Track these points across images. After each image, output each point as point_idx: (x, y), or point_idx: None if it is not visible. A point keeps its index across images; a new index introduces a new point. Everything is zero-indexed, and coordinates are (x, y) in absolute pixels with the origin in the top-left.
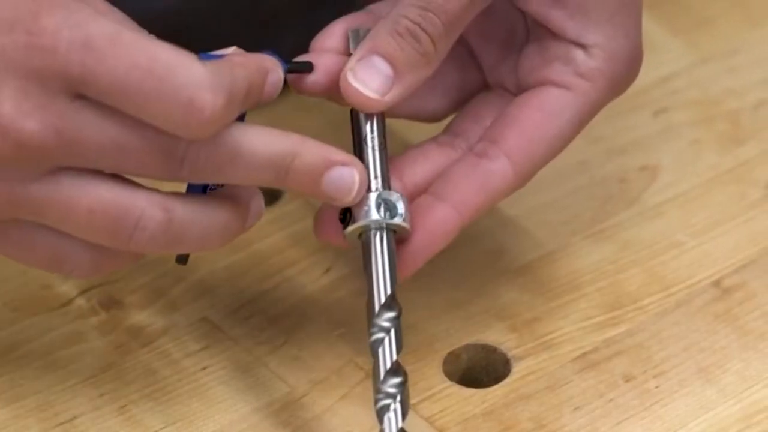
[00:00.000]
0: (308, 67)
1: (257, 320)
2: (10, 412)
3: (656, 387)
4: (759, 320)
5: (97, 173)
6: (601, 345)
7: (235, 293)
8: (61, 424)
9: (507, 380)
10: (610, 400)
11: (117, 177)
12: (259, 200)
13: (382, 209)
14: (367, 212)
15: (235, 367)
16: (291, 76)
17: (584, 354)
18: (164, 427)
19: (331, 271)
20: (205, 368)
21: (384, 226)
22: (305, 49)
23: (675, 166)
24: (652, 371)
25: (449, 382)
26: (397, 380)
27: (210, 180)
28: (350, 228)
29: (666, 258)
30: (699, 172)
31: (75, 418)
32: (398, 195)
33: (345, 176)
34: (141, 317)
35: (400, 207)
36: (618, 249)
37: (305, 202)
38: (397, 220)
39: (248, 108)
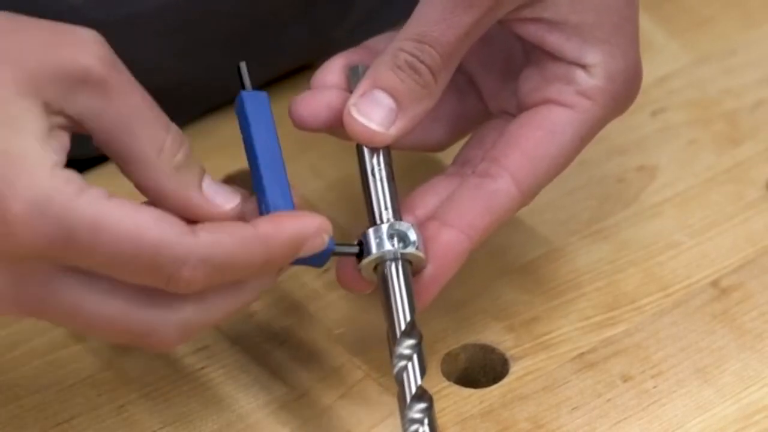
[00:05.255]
0: (354, 251)
1: (256, 320)
2: (9, 412)
3: (654, 387)
4: (757, 320)
5: (107, 291)
6: (599, 345)
7: None
8: (59, 423)
9: (505, 380)
10: (608, 400)
11: (123, 300)
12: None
13: (394, 239)
14: (380, 244)
15: (233, 367)
16: None
17: (582, 354)
18: (162, 427)
19: (330, 271)
20: (203, 368)
21: (398, 256)
22: (306, 47)
23: (673, 166)
24: (650, 371)
25: (447, 382)
26: (422, 405)
27: None
28: (365, 261)
29: (664, 258)
30: (697, 172)
31: (73, 417)
32: (409, 225)
33: (316, 244)
34: None
35: (412, 235)
36: (616, 249)
37: (305, 201)
38: (410, 249)
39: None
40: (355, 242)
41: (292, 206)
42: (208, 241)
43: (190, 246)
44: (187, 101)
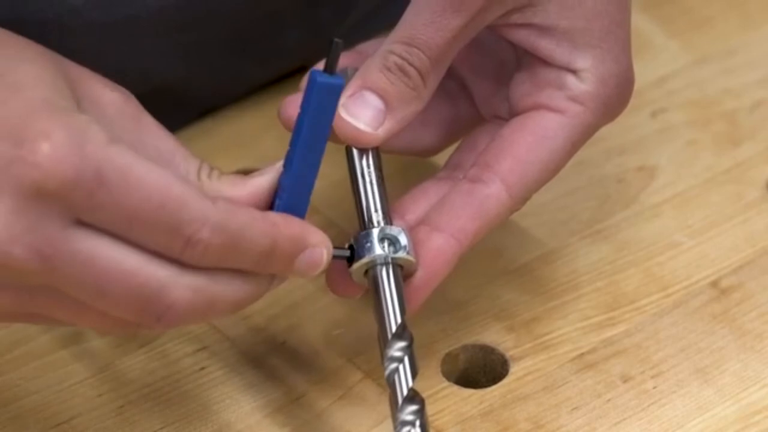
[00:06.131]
0: (347, 254)
1: (255, 320)
2: (8, 412)
3: (654, 387)
4: (756, 321)
5: (123, 246)
6: (599, 345)
7: None
8: (59, 424)
9: (505, 381)
10: (608, 400)
11: (138, 257)
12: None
13: (385, 244)
14: (370, 248)
15: (233, 368)
16: None
17: (582, 354)
18: (162, 428)
19: None
20: (203, 369)
21: (389, 260)
22: (306, 48)
23: (672, 166)
24: (649, 372)
25: (447, 383)
26: (414, 407)
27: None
28: (355, 265)
29: (663, 258)
30: (696, 173)
31: (73, 418)
32: (399, 229)
33: (315, 257)
34: None
35: (403, 240)
36: (616, 249)
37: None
38: (401, 254)
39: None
40: (346, 246)
41: (305, 209)
42: (225, 208)
43: (210, 208)
44: (187, 101)
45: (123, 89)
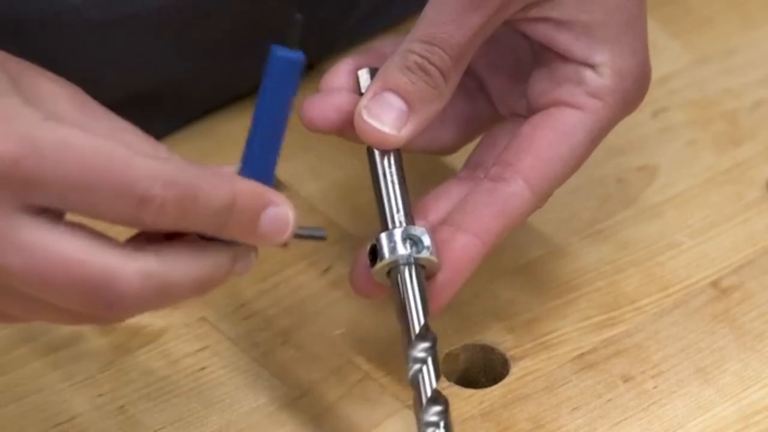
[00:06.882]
0: (321, 235)
1: (256, 320)
2: (8, 412)
3: (654, 387)
4: (757, 320)
5: (67, 231)
6: (599, 345)
7: (233, 293)
8: (59, 423)
9: (505, 381)
10: (609, 400)
11: (82, 244)
12: (247, 255)
13: (408, 244)
14: (394, 248)
15: (233, 368)
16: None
17: (582, 354)
18: (163, 428)
19: (330, 270)
20: (203, 368)
21: (412, 261)
22: (306, 48)
23: (673, 166)
24: (650, 371)
25: (447, 383)
26: (438, 408)
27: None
28: (378, 265)
29: (664, 258)
30: (697, 173)
31: (74, 418)
32: (423, 229)
33: (281, 214)
34: (140, 317)
35: (426, 240)
36: (616, 249)
37: (304, 201)
38: (425, 254)
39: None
40: (368, 246)
41: (272, 179)
42: (176, 165)
43: (157, 165)
44: (187, 101)
45: (71, 84)
